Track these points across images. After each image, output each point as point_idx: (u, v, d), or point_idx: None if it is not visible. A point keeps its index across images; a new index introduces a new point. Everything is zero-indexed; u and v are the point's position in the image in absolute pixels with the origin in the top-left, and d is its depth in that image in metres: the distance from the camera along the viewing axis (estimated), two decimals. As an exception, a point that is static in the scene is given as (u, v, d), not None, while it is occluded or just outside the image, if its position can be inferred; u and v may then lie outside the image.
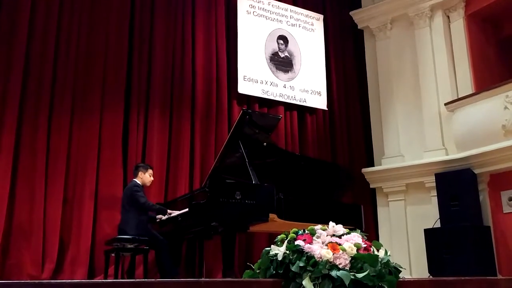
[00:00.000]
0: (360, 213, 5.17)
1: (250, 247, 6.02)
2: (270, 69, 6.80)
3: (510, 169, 5.70)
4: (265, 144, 4.73)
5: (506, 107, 5.60)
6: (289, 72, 6.99)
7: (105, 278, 4.60)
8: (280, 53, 6.97)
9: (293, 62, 7.07)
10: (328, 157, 7.03)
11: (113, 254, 4.49)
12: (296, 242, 2.37)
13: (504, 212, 5.84)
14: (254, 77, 6.58)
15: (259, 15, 6.89)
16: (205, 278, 4.93)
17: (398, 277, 2.36)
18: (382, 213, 6.91)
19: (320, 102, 7.14)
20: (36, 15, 5.35)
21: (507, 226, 5.80)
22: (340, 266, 2.24)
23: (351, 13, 7.65)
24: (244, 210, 4.08)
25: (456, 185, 5.75)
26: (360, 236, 2.46)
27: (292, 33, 7.17)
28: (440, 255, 5.56)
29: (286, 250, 2.35)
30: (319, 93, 7.16)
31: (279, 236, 2.51)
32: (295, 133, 6.89)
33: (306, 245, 2.33)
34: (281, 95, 6.78)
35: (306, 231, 2.46)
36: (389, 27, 7.29)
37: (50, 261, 4.90)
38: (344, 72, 7.66)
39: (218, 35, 6.50)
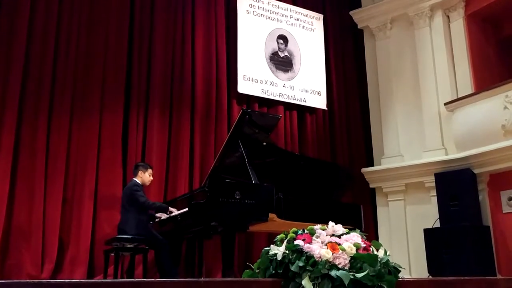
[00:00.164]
0: (360, 213, 5.17)
1: (249, 246, 6.02)
2: (270, 68, 6.80)
3: (510, 169, 5.70)
4: (264, 143, 4.73)
5: (505, 107, 5.60)
6: (289, 71, 6.99)
7: (105, 278, 4.60)
8: (280, 53, 6.97)
9: (293, 62, 7.07)
10: (328, 157, 7.03)
11: (112, 254, 4.50)
12: (296, 242, 2.37)
13: (503, 212, 5.84)
14: (254, 77, 6.58)
15: (259, 14, 6.89)
16: (205, 278, 4.92)
17: (398, 277, 2.36)
18: (381, 213, 6.91)
19: (319, 101, 7.14)
20: (36, 15, 5.35)
21: (506, 226, 5.80)
22: (340, 266, 2.24)
23: (351, 12, 7.65)
24: (243, 210, 4.08)
25: (455, 185, 5.75)
26: (359, 236, 2.46)
27: (292, 32, 7.17)
28: (440, 255, 5.56)
29: (286, 249, 2.35)
30: (319, 93, 7.16)
31: (278, 236, 2.51)
32: (295, 132, 6.89)
33: (305, 244, 2.33)
34: (280, 94, 6.78)
35: (306, 231, 2.46)
36: (389, 27, 7.28)
37: (50, 261, 4.90)
38: (344, 72, 7.66)
39: (218, 35, 6.50)
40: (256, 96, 6.59)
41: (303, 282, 2.20)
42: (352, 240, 2.39)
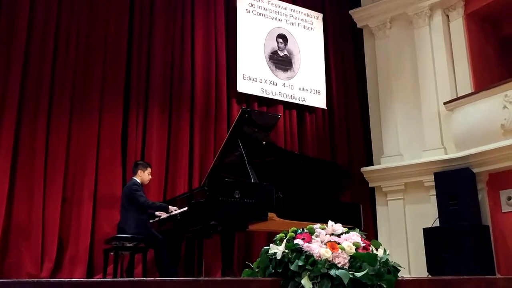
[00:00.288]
0: (359, 212, 5.17)
1: (249, 246, 6.02)
2: (270, 68, 6.79)
3: (509, 168, 5.71)
4: (264, 143, 4.73)
5: (505, 107, 5.60)
6: (289, 71, 6.99)
7: (104, 277, 4.61)
8: (279, 52, 6.97)
9: (293, 61, 7.07)
10: (327, 156, 7.03)
11: (112, 253, 4.50)
12: (295, 241, 2.37)
13: (503, 211, 5.84)
14: (254, 76, 6.58)
15: (258, 13, 6.88)
16: (204, 277, 4.92)
17: (397, 276, 2.36)
18: (381, 212, 6.91)
19: (319, 101, 7.14)
20: (35, 15, 5.34)
21: (505, 225, 5.81)
22: (339, 265, 2.24)
23: (350, 12, 7.65)
24: (243, 209, 4.08)
25: (455, 184, 5.76)
26: (359, 235, 2.46)
27: (291, 32, 7.17)
28: (439, 254, 5.57)
29: (285, 249, 2.35)
30: (318, 92, 7.16)
31: (278, 235, 2.50)
32: (294, 132, 6.89)
33: (305, 244, 2.33)
34: (280, 94, 6.77)
35: (305, 230, 2.46)
36: (389, 26, 7.28)
37: (49, 260, 4.90)
38: (344, 71, 7.66)
39: (218, 34, 6.49)
40: (256, 95, 6.58)
41: (302, 281, 2.20)
42: (352, 239, 2.39)
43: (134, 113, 5.70)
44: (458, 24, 6.70)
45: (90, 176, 5.29)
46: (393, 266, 2.38)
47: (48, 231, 4.98)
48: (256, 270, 2.49)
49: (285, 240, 2.42)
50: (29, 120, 5.14)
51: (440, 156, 6.30)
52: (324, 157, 6.86)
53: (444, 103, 6.39)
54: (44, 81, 5.26)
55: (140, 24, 5.97)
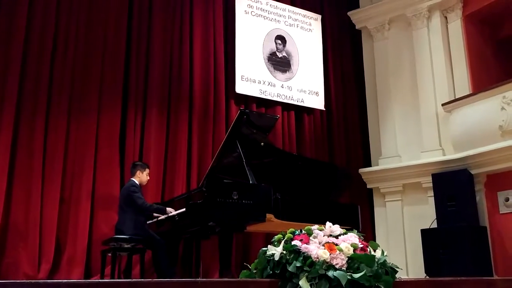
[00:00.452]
0: (357, 213, 5.18)
1: (247, 247, 6.02)
2: (268, 69, 6.80)
3: (507, 170, 5.71)
4: (262, 144, 4.73)
5: (503, 108, 5.61)
6: (287, 72, 6.99)
7: (102, 278, 4.59)
8: (278, 53, 6.97)
9: (291, 62, 7.07)
10: (326, 157, 7.04)
11: (109, 254, 4.49)
12: (293, 242, 2.37)
13: (500, 212, 5.85)
14: (252, 77, 6.58)
15: (257, 15, 6.89)
16: (202, 278, 4.92)
17: (395, 277, 2.37)
18: (379, 213, 6.91)
19: (317, 102, 7.15)
20: (34, 15, 5.34)
21: (503, 227, 5.81)
22: (337, 266, 2.24)
23: (349, 13, 7.66)
24: (241, 210, 4.07)
25: (453, 186, 5.77)
26: (357, 236, 2.46)
27: (290, 33, 7.17)
28: (437, 256, 5.57)
29: (283, 250, 2.36)
30: (317, 93, 7.16)
31: (276, 236, 2.51)
32: (293, 133, 6.89)
33: (303, 245, 2.34)
34: (278, 95, 6.78)
35: (303, 231, 2.46)
36: (387, 28, 7.30)
37: (47, 261, 4.89)
38: (342, 73, 7.67)
39: (216, 35, 6.49)
40: (254, 97, 6.59)
41: (300, 283, 2.20)
42: (350, 241, 2.39)
43: (133, 113, 5.69)
44: (456, 26, 6.71)
45: (88, 176, 5.28)
46: (391, 267, 2.38)
47: (45, 231, 4.97)
48: (254, 271, 2.49)
49: (283, 241, 2.42)
50: (27, 120, 5.13)
51: (438, 157, 6.30)
52: (322, 158, 6.86)
53: (442, 105, 6.40)
54: (42, 81, 5.25)
55: (138, 25, 5.97)
